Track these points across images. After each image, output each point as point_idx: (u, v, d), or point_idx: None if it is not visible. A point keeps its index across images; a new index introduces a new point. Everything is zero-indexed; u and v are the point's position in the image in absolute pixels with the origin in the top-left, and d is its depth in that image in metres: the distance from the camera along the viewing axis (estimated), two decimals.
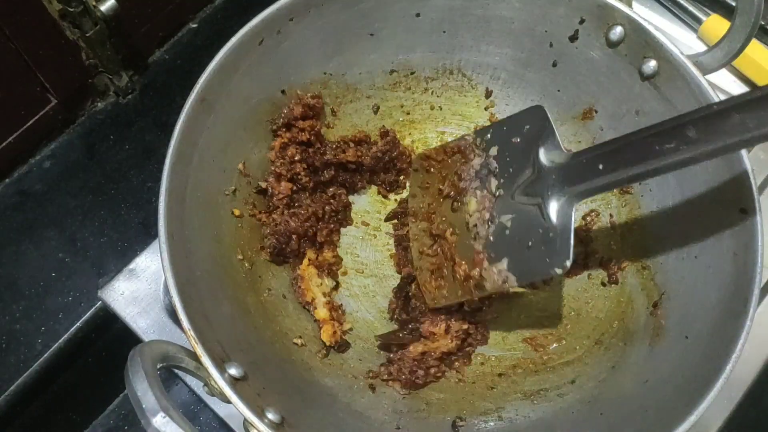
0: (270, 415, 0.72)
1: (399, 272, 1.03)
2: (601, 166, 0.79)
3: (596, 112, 1.00)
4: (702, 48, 0.99)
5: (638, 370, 0.87)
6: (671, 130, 0.74)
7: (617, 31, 0.91)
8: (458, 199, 0.95)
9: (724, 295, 0.81)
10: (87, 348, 1.09)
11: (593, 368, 0.92)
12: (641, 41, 0.90)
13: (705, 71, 0.88)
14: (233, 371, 0.73)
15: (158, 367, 0.68)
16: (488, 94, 1.08)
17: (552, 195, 0.83)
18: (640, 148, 0.76)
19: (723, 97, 0.82)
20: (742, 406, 1.00)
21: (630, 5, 0.91)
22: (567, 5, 0.93)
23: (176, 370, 0.73)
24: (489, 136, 0.93)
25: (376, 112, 1.08)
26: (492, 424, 0.91)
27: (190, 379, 1.00)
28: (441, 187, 0.97)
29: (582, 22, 0.94)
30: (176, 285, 0.74)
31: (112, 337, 1.10)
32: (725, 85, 1.22)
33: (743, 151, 0.81)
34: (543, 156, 0.85)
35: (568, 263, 0.81)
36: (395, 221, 1.06)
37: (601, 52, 0.94)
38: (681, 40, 1.27)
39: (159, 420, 0.62)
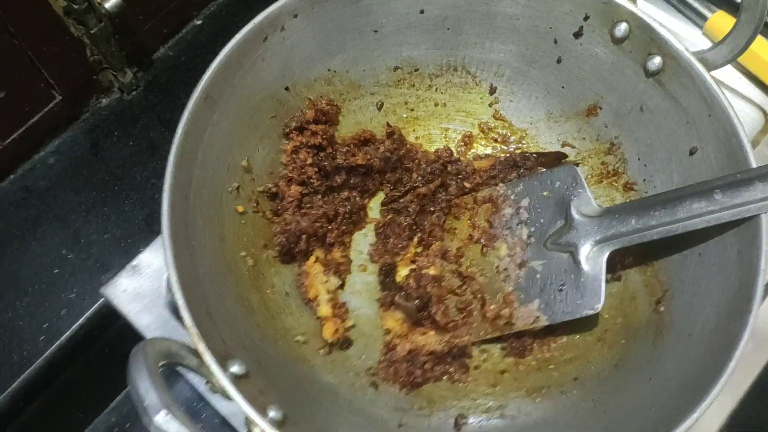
0: (272, 413, 0.72)
1: (374, 261, 1.03)
2: (633, 221, 0.88)
3: (601, 108, 1.00)
4: (707, 44, 0.99)
5: (641, 367, 0.87)
6: (700, 193, 0.83)
7: (622, 28, 0.91)
8: (489, 244, 1.00)
9: (727, 292, 0.81)
10: (89, 345, 1.09)
11: (596, 366, 0.92)
12: (646, 38, 0.89)
13: (710, 68, 0.87)
14: (236, 369, 0.73)
15: (161, 364, 0.68)
16: (492, 90, 1.08)
17: (584, 245, 0.92)
18: (672, 206, 0.85)
19: (727, 94, 0.83)
20: (745, 403, 1.00)
21: (635, 2, 0.91)
22: (572, 2, 0.93)
23: (179, 368, 0.73)
24: (520, 188, 1.00)
25: (380, 109, 1.07)
26: (494, 421, 0.91)
27: (192, 377, 1.00)
28: (472, 233, 1.02)
29: (587, 18, 0.93)
30: (179, 282, 0.73)
31: (115, 334, 1.10)
32: (731, 81, 1.22)
33: (748, 148, 0.81)
34: (575, 210, 0.93)
35: (599, 306, 0.90)
36: (384, 207, 1.07)
37: (606, 48, 0.94)
38: (686, 37, 1.27)
39: (161, 417, 0.62)
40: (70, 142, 1.15)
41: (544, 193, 0.98)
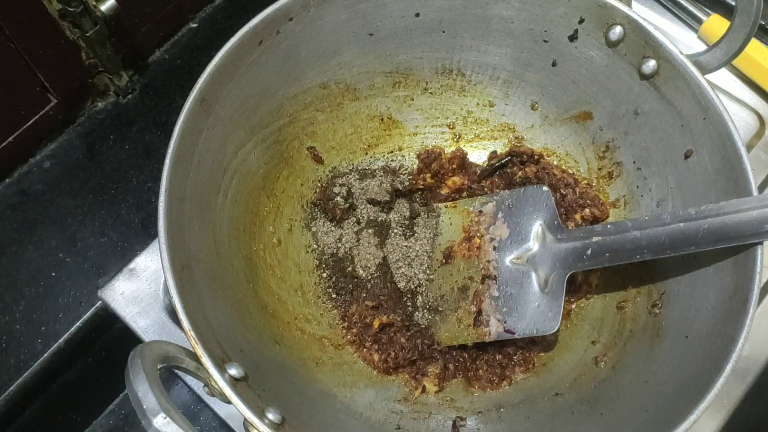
0: (270, 416, 0.72)
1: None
2: (589, 252, 0.89)
3: (595, 112, 1.00)
4: (702, 48, 0.99)
5: (638, 370, 0.87)
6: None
7: (617, 31, 0.91)
8: (455, 255, 1.01)
9: (723, 295, 0.81)
10: (87, 348, 1.09)
11: (593, 368, 0.92)
12: (641, 41, 0.90)
13: (705, 71, 0.88)
14: (233, 371, 0.73)
15: (159, 367, 0.68)
16: (488, 93, 1.08)
17: (546, 266, 0.93)
18: (638, 234, 0.85)
19: (722, 97, 0.83)
20: (742, 405, 1.00)
21: (629, 5, 0.91)
22: (566, 5, 0.93)
23: (176, 371, 0.74)
24: (492, 203, 1.01)
25: (376, 112, 1.08)
26: (492, 424, 0.91)
27: (190, 380, 1.00)
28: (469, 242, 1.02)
29: (581, 21, 0.94)
30: (176, 285, 0.74)
31: (112, 337, 1.10)
32: (725, 84, 1.22)
33: (743, 152, 0.81)
34: (541, 230, 0.95)
35: (555, 328, 0.91)
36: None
37: (601, 51, 0.95)
38: (681, 40, 1.27)
39: (160, 420, 0.62)
40: (65, 145, 1.15)
41: (514, 211, 0.98)
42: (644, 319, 0.91)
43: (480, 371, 0.96)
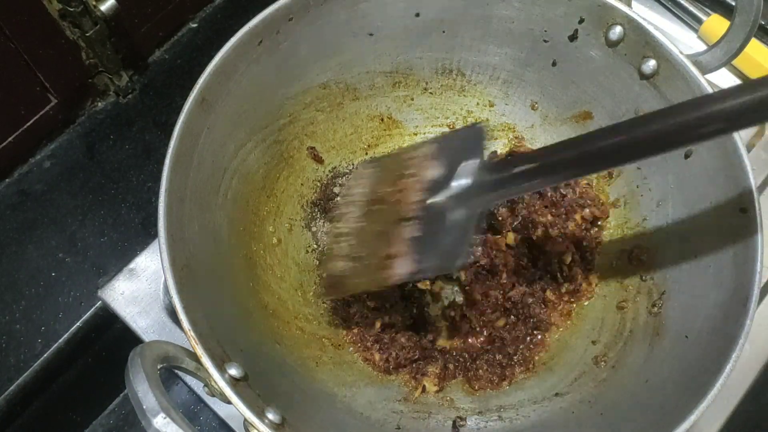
0: (270, 416, 0.72)
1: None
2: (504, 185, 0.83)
3: (595, 111, 1.00)
4: (702, 48, 0.99)
5: (638, 369, 0.87)
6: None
7: (617, 31, 0.91)
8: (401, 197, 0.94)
9: (724, 294, 0.81)
10: (87, 348, 1.09)
11: (593, 368, 0.92)
12: (641, 41, 0.90)
13: (705, 71, 0.88)
14: (233, 372, 0.73)
15: (158, 367, 0.68)
16: (488, 93, 1.08)
17: (467, 204, 0.86)
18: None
19: None
20: (742, 405, 1.00)
21: (629, 5, 0.91)
22: (566, 5, 0.93)
23: (176, 371, 0.74)
24: (430, 147, 0.93)
25: (376, 112, 1.08)
26: (492, 424, 0.91)
27: (190, 379, 1.00)
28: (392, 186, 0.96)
29: (581, 21, 0.94)
30: (176, 285, 0.74)
31: (112, 337, 1.10)
32: (725, 84, 1.22)
33: (743, 151, 0.82)
34: (465, 166, 0.86)
35: (455, 265, 0.87)
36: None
37: (601, 51, 0.95)
38: (681, 40, 1.27)
39: (160, 421, 0.62)
40: (65, 145, 1.15)
41: (447, 151, 0.90)
42: (644, 319, 0.91)
43: (480, 371, 0.96)
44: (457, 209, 0.86)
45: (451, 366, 0.97)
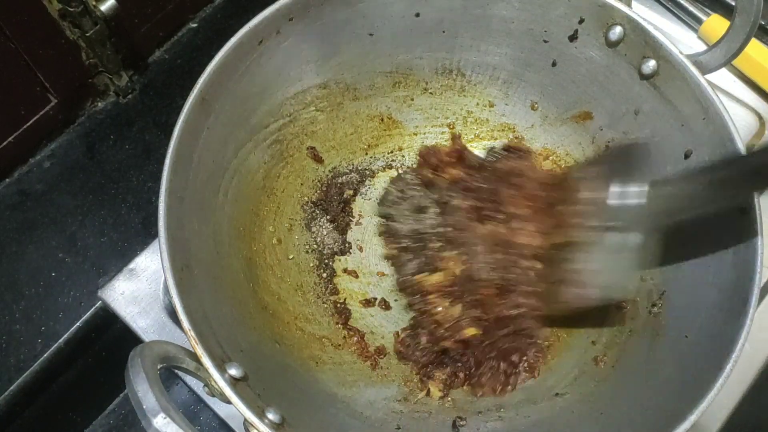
0: (270, 416, 0.72)
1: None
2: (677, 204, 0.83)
3: (595, 112, 1.00)
4: (702, 48, 0.99)
5: (638, 369, 0.87)
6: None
7: (617, 31, 0.91)
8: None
9: (724, 294, 0.81)
10: (87, 348, 1.09)
11: (593, 368, 0.92)
12: (640, 41, 0.90)
13: (705, 71, 0.88)
14: (233, 372, 0.73)
15: (159, 367, 0.68)
16: (488, 93, 1.08)
17: (636, 228, 0.86)
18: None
19: (722, 97, 0.83)
20: (742, 405, 1.00)
21: (629, 5, 0.91)
22: (566, 5, 0.93)
23: (176, 371, 0.74)
24: (592, 170, 0.93)
25: (376, 112, 1.08)
26: (492, 423, 0.91)
27: (190, 379, 1.00)
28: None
29: (581, 21, 0.94)
30: (176, 285, 0.73)
31: (112, 337, 1.10)
32: (725, 84, 1.22)
33: (743, 151, 0.82)
34: (634, 190, 0.86)
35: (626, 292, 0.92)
36: None
37: (601, 51, 0.95)
38: (681, 40, 1.27)
39: (160, 420, 0.62)
40: (65, 145, 1.15)
41: (610, 173, 0.89)
42: (644, 319, 0.91)
43: (483, 378, 0.96)
44: (631, 234, 0.87)
45: (461, 374, 0.96)
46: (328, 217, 1.05)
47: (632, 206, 0.85)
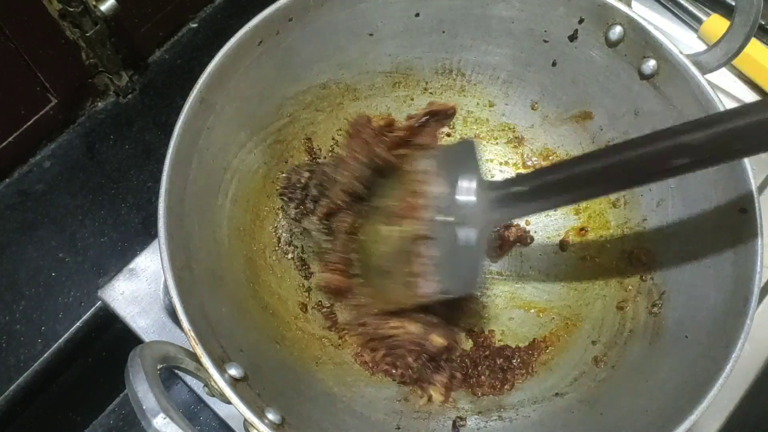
0: (270, 416, 0.72)
1: None
2: (508, 202, 0.83)
3: (596, 111, 1.00)
4: (702, 48, 0.99)
5: (638, 369, 0.87)
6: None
7: (616, 31, 0.91)
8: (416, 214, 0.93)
9: (724, 294, 0.81)
10: (87, 348, 1.09)
11: (593, 368, 0.92)
12: (640, 41, 0.90)
13: (705, 71, 0.88)
14: (233, 372, 0.73)
15: (158, 367, 0.68)
16: (488, 93, 1.08)
17: (474, 223, 0.86)
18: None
19: (722, 97, 0.84)
20: (742, 405, 1.00)
21: (629, 5, 0.91)
22: (566, 5, 0.93)
23: (176, 371, 0.74)
24: (426, 162, 0.93)
25: (376, 112, 1.08)
26: (492, 424, 0.91)
27: (189, 379, 1.00)
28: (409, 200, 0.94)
29: (581, 21, 0.94)
30: (176, 285, 0.73)
31: (112, 337, 1.10)
32: (725, 84, 1.22)
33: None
34: (464, 185, 0.87)
35: (469, 290, 0.93)
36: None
37: (601, 51, 0.95)
38: (681, 40, 1.27)
39: (159, 421, 0.62)
40: (66, 145, 1.15)
41: (450, 166, 0.90)
42: (644, 319, 0.91)
43: (482, 377, 0.96)
44: (465, 228, 0.87)
45: (458, 375, 0.96)
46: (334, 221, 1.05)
47: (467, 202, 0.87)
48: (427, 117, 1.04)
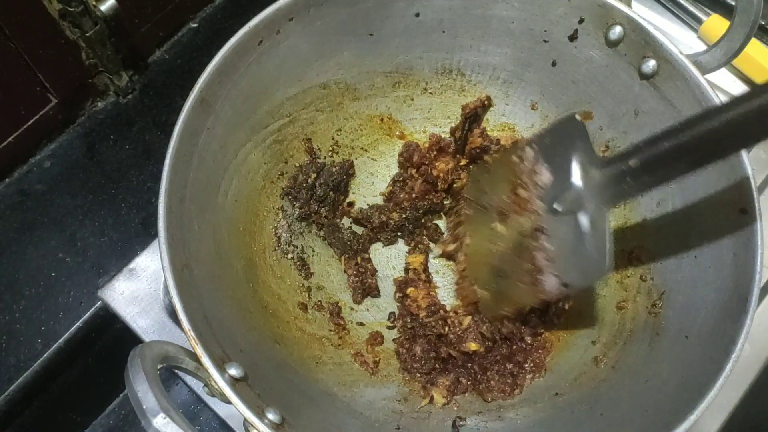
0: (270, 416, 0.72)
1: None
2: (628, 179, 0.79)
3: (596, 111, 1.00)
4: (702, 48, 0.99)
5: (638, 369, 0.87)
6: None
7: (616, 31, 0.91)
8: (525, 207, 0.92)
9: (723, 294, 0.81)
10: (87, 348, 1.09)
11: (593, 368, 0.92)
12: (640, 41, 0.90)
13: (704, 71, 0.88)
14: (233, 372, 0.73)
15: (158, 367, 0.68)
16: (488, 93, 1.08)
17: (589, 206, 0.83)
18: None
19: (723, 97, 0.83)
20: (742, 405, 1.00)
21: (629, 5, 0.91)
22: (566, 5, 0.93)
23: (176, 371, 0.74)
24: (532, 149, 0.91)
25: (376, 112, 1.08)
26: (492, 424, 0.91)
27: (190, 379, 1.00)
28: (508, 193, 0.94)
29: (581, 21, 0.94)
30: (176, 285, 0.74)
31: (112, 337, 1.10)
32: (725, 84, 1.22)
33: (743, 151, 0.81)
34: (577, 166, 0.84)
35: (603, 273, 0.84)
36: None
37: (601, 51, 0.94)
38: (681, 40, 1.27)
39: (159, 420, 0.62)
40: (66, 145, 1.15)
41: (551, 151, 0.88)
42: (644, 319, 0.91)
43: (492, 382, 0.95)
44: (582, 214, 0.84)
45: (463, 380, 0.96)
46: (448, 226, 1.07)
47: (577, 186, 0.84)
48: (468, 120, 1.05)
